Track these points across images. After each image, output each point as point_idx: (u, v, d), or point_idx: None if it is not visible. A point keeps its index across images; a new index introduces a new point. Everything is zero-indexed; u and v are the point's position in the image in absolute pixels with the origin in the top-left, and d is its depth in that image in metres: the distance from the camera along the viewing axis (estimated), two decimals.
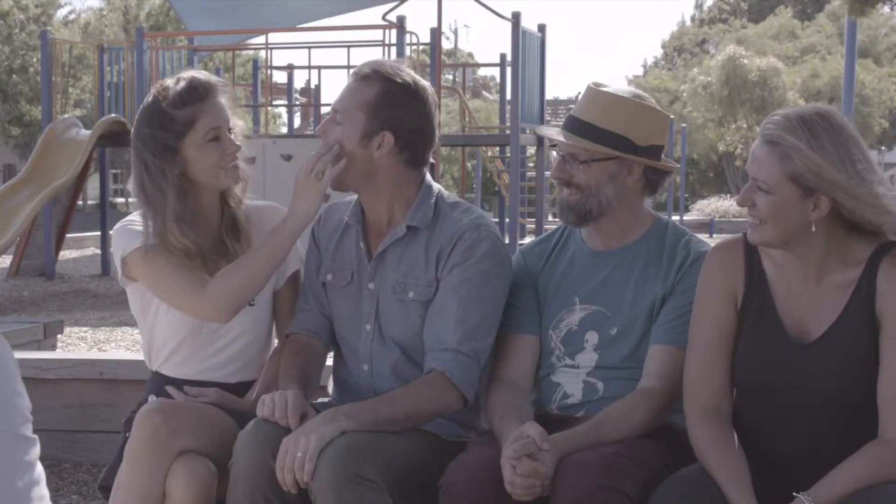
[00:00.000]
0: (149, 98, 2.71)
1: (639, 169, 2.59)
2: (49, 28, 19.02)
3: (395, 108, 2.57)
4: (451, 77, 27.30)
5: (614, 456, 2.30)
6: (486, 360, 2.61)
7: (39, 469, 1.35)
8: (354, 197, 2.76)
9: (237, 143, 2.71)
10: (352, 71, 2.67)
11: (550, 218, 15.86)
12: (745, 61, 30.27)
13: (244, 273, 2.63)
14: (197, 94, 2.66)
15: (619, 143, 2.55)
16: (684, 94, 32.96)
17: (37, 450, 1.35)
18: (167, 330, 2.77)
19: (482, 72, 45.60)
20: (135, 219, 2.75)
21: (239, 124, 2.75)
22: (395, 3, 13.27)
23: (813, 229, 2.25)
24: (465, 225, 2.63)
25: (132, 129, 2.72)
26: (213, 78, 2.75)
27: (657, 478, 2.29)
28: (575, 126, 2.59)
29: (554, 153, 2.70)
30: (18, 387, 1.35)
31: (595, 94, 2.62)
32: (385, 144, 2.58)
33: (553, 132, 2.65)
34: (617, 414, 2.44)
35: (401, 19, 12.06)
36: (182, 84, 2.67)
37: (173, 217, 2.63)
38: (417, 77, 2.65)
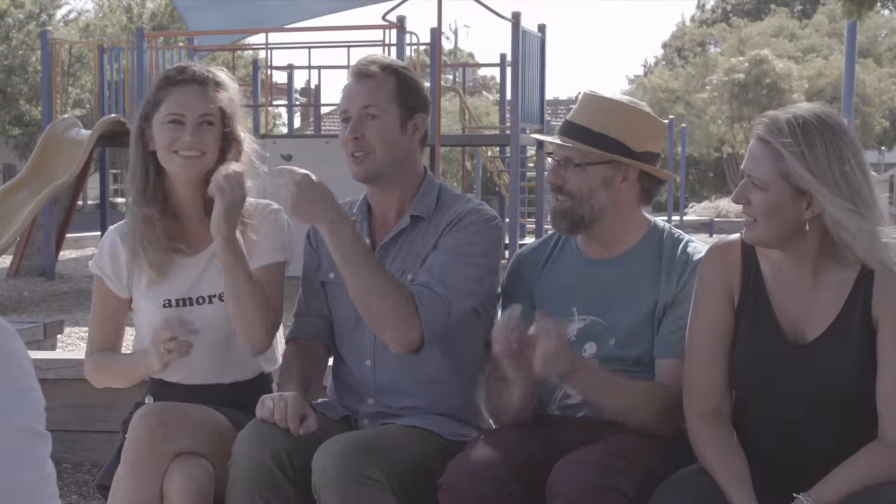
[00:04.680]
0: None
1: (633, 175, 2.58)
2: (49, 28, 19.02)
3: (415, 91, 2.71)
4: (451, 77, 27.30)
5: (611, 456, 2.30)
6: (459, 317, 2.60)
7: (50, 466, 1.35)
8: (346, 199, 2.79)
9: (206, 143, 2.72)
10: (354, 70, 2.71)
11: (550, 218, 15.85)
12: (767, 66, 30.49)
13: (113, 372, 2.82)
14: (170, 79, 2.76)
15: (613, 146, 2.55)
16: (708, 88, 32.94)
17: (49, 446, 1.36)
18: (145, 330, 2.80)
19: (482, 72, 45.61)
20: (116, 229, 2.84)
21: (245, 136, 2.79)
22: (396, 3, 13.27)
23: (807, 228, 2.24)
24: (467, 209, 2.69)
25: None
26: (211, 73, 2.78)
27: (655, 478, 2.29)
28: (570, 130, 2.60)
29: (549, 160, 2.73)
30: (32, 381, 1.36)
31: (590, 99, 2.63)
32: (420, 127, 2.72)
33: (549, 139, 2.67)
34: (641, 394, 2.44)
35: (401, 19, 12.07)
36: (169, 70, 2.82)
37: (138, 187, 2.75)
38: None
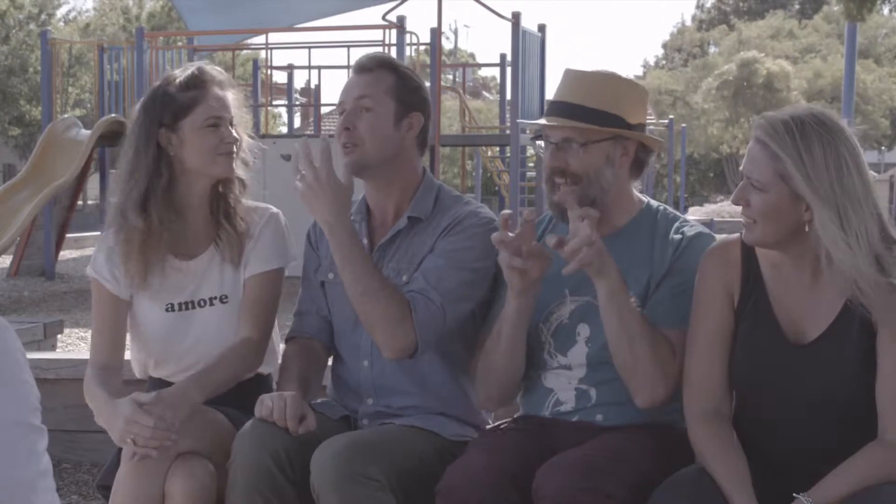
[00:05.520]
0: (155, 83, 2.80)
1: (633, 148, 2.54)
2: (49, 28, 19.01)
3: (415, 91, 2.71)
4: (451, 77, 27.29)
5: (596, 457, 2.27)
6: (454, 325, 2.59)
7: (47, 460, 1.35)
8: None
9: (238, 138, 2.76)
10: (356, 64, 2.73)
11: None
12: (758, 66, 30.51)
13: (97, 408, 2.66)
14: (201, 80, 2.73)
15: (613, 121, 2.50)
16: (704, 88, 32.97)
17: (45, 440, 1.36)
18: (146, 332, 2.80)
19: (482, 72, 45.61)
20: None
21: (245, 132, 2.81)
22: (396, 3, 13.27)
23: (806, 229, 2.24)
24: (465, 212, 2.67)
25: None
26: (222, 74, 2.80)
27: (650, 479, 2.26)
28: (565, 110, 2.52)
29: (540, 143, 2.58)
30: (26, 376, 1.36)
31: (577, 75, 2.56)
32: (415, 125, 2.70)
33: (544, 121, 2.56)
34: (651, 334, 2.40)
35: (401, 19, 12.08)
36: (189, 71, 2.75)
37: (141, 194, 2.68)
38: None
